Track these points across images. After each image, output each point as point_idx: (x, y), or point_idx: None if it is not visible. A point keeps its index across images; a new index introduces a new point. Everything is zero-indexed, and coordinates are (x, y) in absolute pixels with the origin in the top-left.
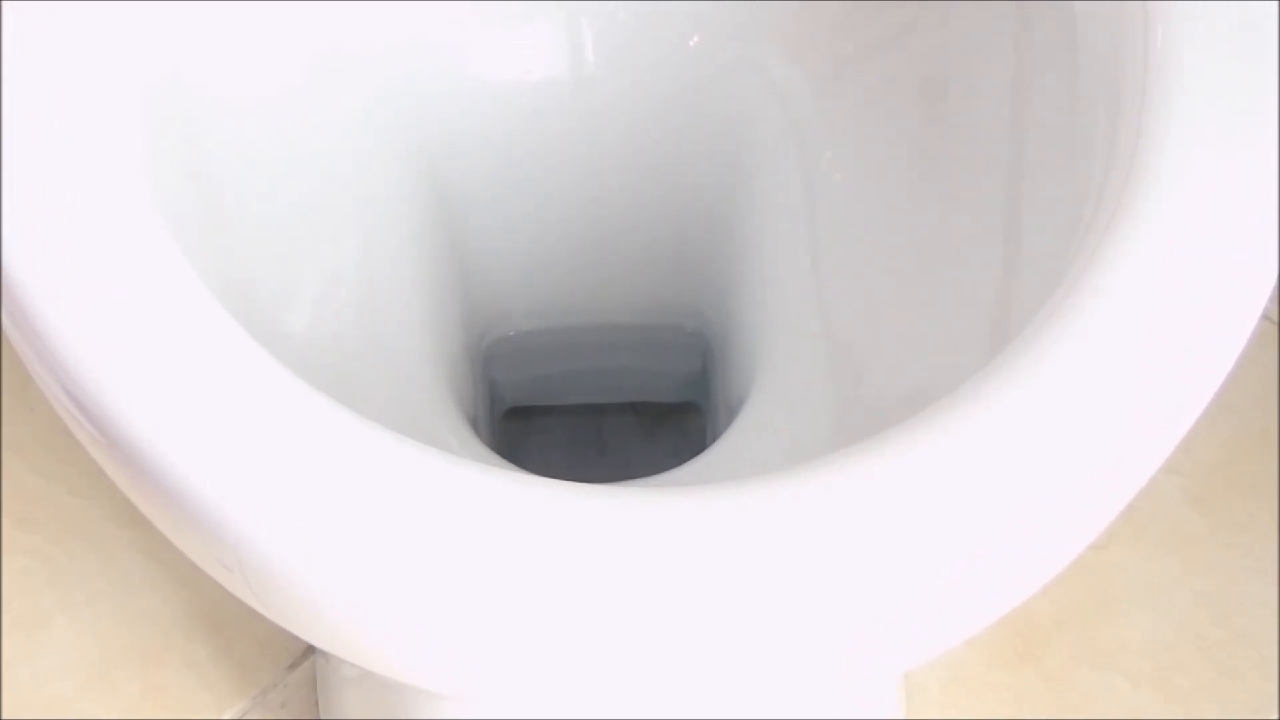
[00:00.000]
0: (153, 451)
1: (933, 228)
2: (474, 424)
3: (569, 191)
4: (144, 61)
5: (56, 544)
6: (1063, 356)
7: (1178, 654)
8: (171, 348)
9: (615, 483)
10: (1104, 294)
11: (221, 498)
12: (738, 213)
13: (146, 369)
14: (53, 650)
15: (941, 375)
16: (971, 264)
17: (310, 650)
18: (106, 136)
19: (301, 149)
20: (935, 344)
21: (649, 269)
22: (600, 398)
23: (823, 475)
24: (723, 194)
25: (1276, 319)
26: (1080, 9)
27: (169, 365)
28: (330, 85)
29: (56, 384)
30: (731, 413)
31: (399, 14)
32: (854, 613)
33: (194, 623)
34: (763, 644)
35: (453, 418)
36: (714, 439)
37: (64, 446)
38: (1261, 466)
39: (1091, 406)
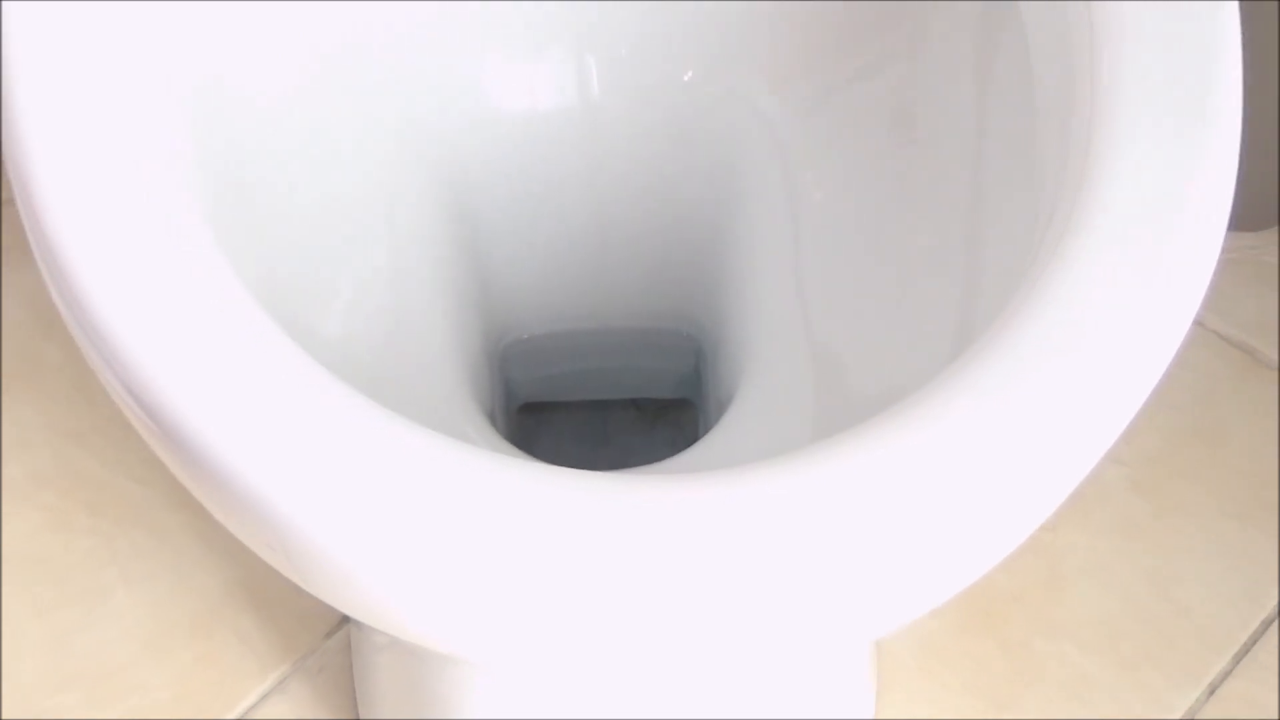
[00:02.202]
0: (204, 443)
1: (903, 240)
2: (491, 418)
3: (576, 208)
4: (193, 82)
5: (117, 526)
6: (1018, 357)
7: (1122, 625)
8: (222, 350)
9: (618, 470)
10: (1055, 302)
11: (266, 484)
12: (727, 228)
13: (199, 369)
14: (114, 621)
15: (911, 373)
16: (938, 273)
17: (345, 620)
18: (161, 152)
19: (336, 165)
20: (905, 345)
21: (648, 278)
22: (604, 394)
23: (803, 464)
24: (714, 211)
25: (1273, 347)
26: (1034, 43)
27: (219, 365)
28: (362, 109)
29: (117, 381)
30: (722, 407)
31: (425, 46)
32: (829, 583)
33: (241, 596)
34: (747, 610)
35: (472, 412)
36: (706, 431)
37: (124, 438)
38: (1196, 456)
39: (1043, 402)
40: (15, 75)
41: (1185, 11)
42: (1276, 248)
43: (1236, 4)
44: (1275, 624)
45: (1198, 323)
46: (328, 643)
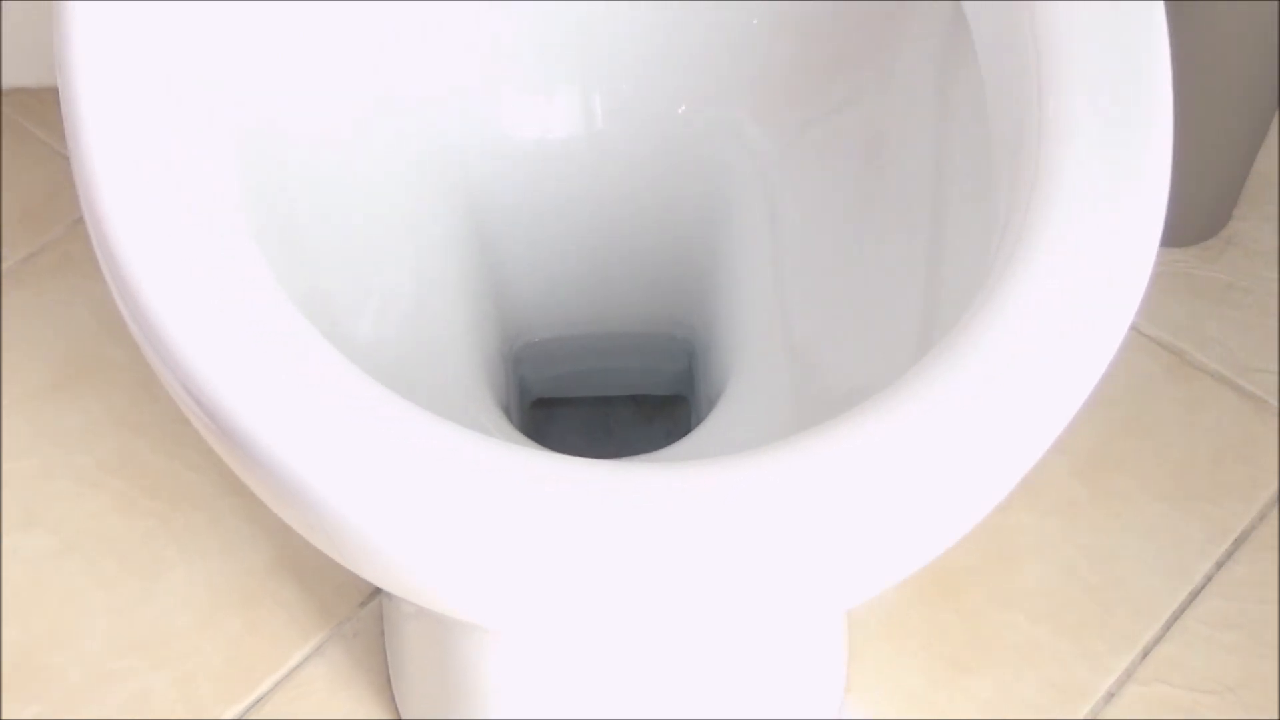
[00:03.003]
0: (252, 435)
1: (872, 255)
2: (507, 412)
3: (582, 226)
4: (243, 118)
5: (175, 509)
6: (974, 361)
7: (1065, 595)
8: (266, 354)
9: (619, 459)
10: (1008, 311)
11: (308, 472)
12: (716, 244)
13: (247, 370)
14: (172, 594)
15: (878, 374)
16: (903, 284)
17: (377, 591)
18: (212, 178)
19: (367, 189)
20: (874, 348)
21: (646, 288)
22: (607, 391)
23: (782, 454)
24: (704, 229)
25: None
26: (989, 82)
27: (265, 367)
28: (390, 137)
29: (175, 381)
30: (711, 403)
31: (447, 82)
32: (806, 558)
33: (285, 570)
34: (733, 581)
35: (489, 407)
36: (698, 424)
37: (181, 431)
38: (1131, 447)
39: (995, 399)
40: (85, 110)
41: (1123, 54)
42: (1203, 261)
43: (1167, 47)
44: (1201, 594)
45: (1133, 328)
46: (362, 611)
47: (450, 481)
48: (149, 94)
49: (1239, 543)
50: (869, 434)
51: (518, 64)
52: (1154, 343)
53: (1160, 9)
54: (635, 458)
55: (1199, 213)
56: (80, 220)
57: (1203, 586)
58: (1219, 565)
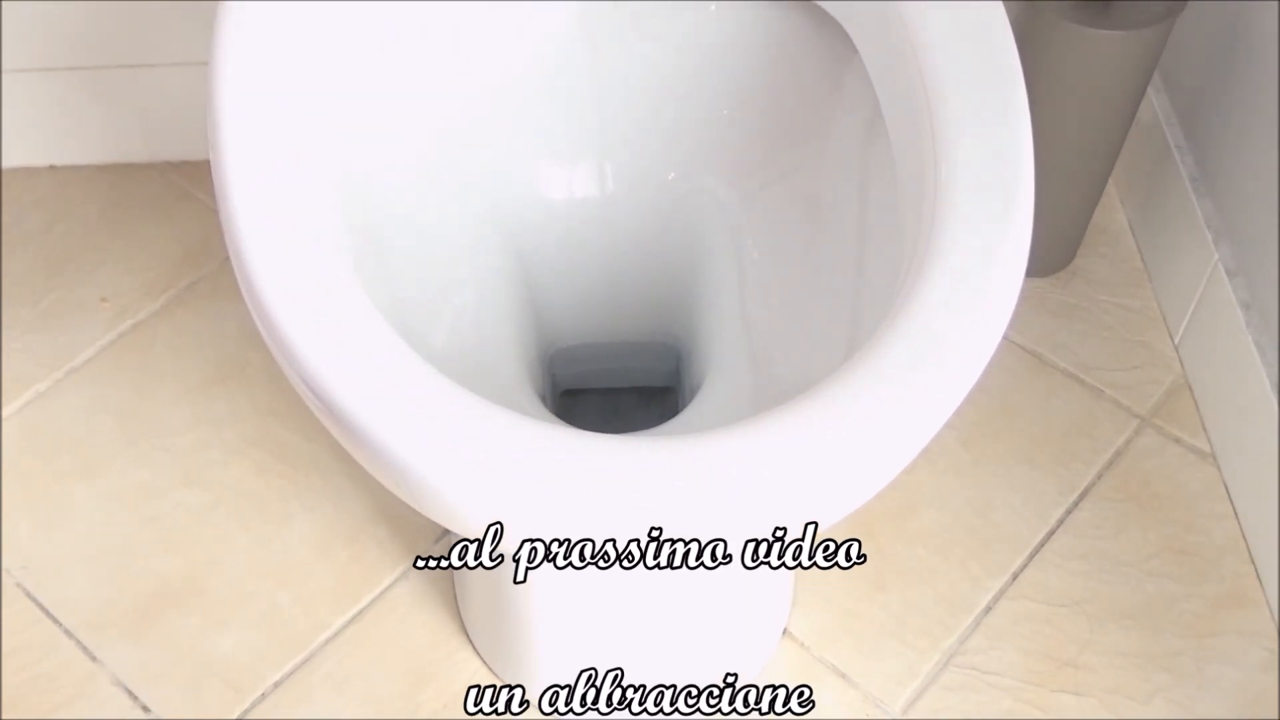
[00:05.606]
0: (352, 415)
1: (812, 283)
2: (543, 400)
3: (598, 262)
4: (339, 167)
5: (297, 470)
6: (888, 362)
7: (955, 534)
8: (362, 354)
9: (626, 434)
10: (912, 325)
11: (394, 443)
12: (696, 275)
13: (348, 367)
14: (294, 535)
15: (816, 371)
16: (834, 304)
17: (447, 531)
18: (322, 219)
19: (441, 234)
20: (812, 352)
21: (645, 307)
22: (617, 384)
23: (743, 430)
24: (688, 264)
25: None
26: (898, 154)
27: (361, 364)
28: (456, 196)
29: (298, 377)
30: (693, 393)
31: (500, 156)
32: (761, 503)
33: (379, 517)
34: (707, 517)
35: (531, 396)
36: (683, 408)
37: (301, 413)
38: (1003, 424)
39: (904, 389)
40: (230, 179)
41: (996, 136)
42: (1055, 288)
43: (1030, 128)
44: (1055, 533)
45: (1005, 338)
46: (435, 546)
47: (503, 451)
48: (274, 161)
49: (1083, 495)
50: (808, 416)
51: (552, 145)
52: (1020, 348)
53: (1025, 102)
54: (637, 433)
55: (1052, 252)
56: (227, 259)
57: (1056, 528)
58: (1068, 512)
